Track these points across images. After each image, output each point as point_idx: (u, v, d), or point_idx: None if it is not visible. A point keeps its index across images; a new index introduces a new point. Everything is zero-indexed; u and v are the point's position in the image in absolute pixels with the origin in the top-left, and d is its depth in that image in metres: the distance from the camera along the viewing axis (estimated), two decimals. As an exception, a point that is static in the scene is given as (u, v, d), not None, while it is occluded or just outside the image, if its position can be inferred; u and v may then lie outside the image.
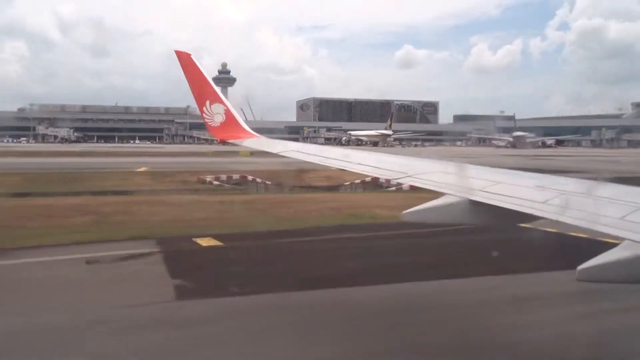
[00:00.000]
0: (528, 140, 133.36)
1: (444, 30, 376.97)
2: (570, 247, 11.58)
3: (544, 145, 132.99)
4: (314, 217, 18.04)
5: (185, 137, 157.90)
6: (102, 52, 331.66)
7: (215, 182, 31.56)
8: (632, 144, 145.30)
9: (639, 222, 4.41)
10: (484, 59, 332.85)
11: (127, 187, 27.12)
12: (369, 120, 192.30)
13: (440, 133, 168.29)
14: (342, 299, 9.54)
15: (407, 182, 8.42)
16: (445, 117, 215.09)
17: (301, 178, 32.09)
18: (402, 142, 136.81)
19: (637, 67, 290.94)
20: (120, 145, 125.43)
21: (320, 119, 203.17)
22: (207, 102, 9.88)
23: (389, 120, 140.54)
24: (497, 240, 11.85)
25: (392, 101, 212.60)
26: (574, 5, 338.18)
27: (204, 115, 9.91)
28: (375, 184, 29.48)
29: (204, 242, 13.52)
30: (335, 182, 30.97)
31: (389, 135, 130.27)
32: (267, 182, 31.63)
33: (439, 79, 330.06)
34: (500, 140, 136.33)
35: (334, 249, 13.56)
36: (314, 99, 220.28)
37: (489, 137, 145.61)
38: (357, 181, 30.27)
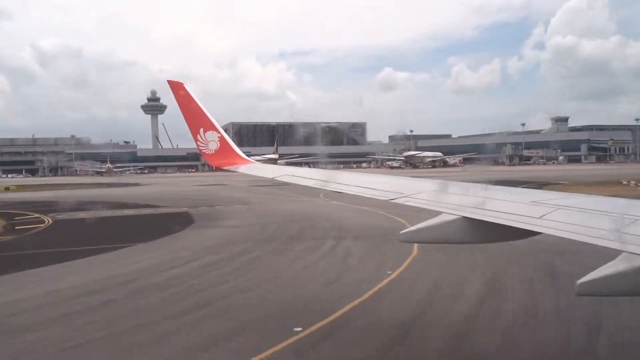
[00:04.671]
0: (428, 159, 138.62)
1: (424, 52, 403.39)
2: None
3: (445, 164, 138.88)
4: None
5: (78, 170, 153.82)
6: (84, 84, 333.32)
7: None
8: (536, 160, 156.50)
9: (635, 234, 4.56)
10: (463, 80, 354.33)
11: None
12: (292, 143, 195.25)
13: (342, 155, 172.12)
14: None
15: (403, 202, 9.03)
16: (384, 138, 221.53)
17: None
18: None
19: (612, 83, 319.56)
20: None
21: (240, 144, 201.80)
22: (201, 130, 10.34)
23: (275, 144, 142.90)
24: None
25: (318, 123, 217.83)
26: (549, 25, 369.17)
27: (198, 143, 10.35)
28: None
29: None
30: None
31: (275, 160, 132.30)
32: None
33: (420, 101, 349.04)
34: (394, 160, 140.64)
35: None
36: (232, 124, 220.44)
37: (385, 157, 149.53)
38: None
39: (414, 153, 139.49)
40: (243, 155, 11.05)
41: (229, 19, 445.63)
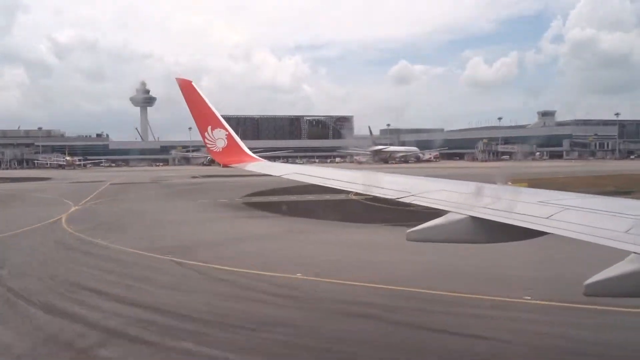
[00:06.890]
0: (399, 154, 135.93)
1: (440, 45, 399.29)
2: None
3: (418, 159, 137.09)
4: None
5: (49, 162, 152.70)
6: (101, 76, 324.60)
7: None
8: (513, 156, 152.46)
9: None
10: (480, 73, 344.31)
11: None
12: (277, 137, 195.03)
13: (317, 149, 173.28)
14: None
15: (410, 201, 8.38)
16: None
17: None
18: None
19: (632, 77, 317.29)
20: None
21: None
22: (209, 128, 10.40)
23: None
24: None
25: (302, 116, 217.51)
26: (567, 17, 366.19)
27: (206, 140, 10.42)
28: None
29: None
30: None
31: None
32: None
33: (436, 94, 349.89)
34: (362, 155, 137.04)
35: None
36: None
37: (353, 152, 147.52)
38: None
39: (381, 148, 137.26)
40: (251, 154, 11.13)
41: (243, 12, 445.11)
